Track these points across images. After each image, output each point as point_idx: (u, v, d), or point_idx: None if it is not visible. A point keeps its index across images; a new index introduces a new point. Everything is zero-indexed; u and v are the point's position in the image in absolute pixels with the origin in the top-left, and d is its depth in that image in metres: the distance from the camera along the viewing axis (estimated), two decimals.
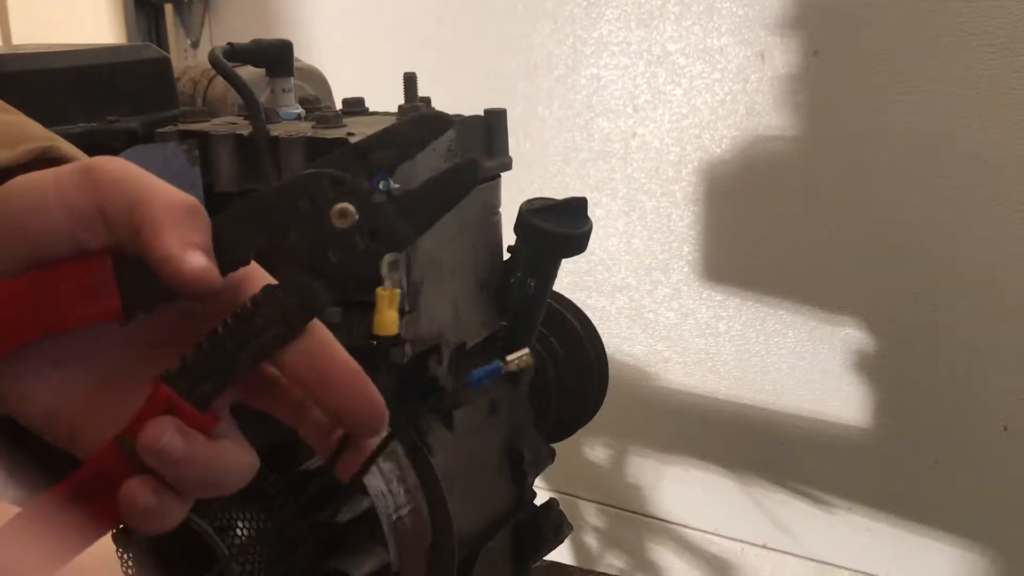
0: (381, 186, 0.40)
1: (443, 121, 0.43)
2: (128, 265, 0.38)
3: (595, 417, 0.93)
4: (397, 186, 0.40)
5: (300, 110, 0.75)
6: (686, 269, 1.48)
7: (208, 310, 0.40)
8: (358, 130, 0.64)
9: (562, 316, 0.88)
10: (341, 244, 0.39)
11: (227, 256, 0.39)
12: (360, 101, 0.75)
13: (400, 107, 0.69)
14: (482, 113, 0.75)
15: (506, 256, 0.79)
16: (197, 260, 0.37)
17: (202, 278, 0.37)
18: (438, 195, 0.41)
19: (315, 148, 0.64)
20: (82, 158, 0.47)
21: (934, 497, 1.35)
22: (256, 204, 0.40)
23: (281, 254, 0.40)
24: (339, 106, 0.77)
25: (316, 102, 0.79)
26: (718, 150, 1.40)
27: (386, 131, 0.42)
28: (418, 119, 0.42)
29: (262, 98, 0.74)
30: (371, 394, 0.40)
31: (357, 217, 0.39)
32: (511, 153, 0.78)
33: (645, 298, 1.53)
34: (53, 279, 0.39)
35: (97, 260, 0.39)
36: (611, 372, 0.90)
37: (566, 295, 0.91)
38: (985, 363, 1.27)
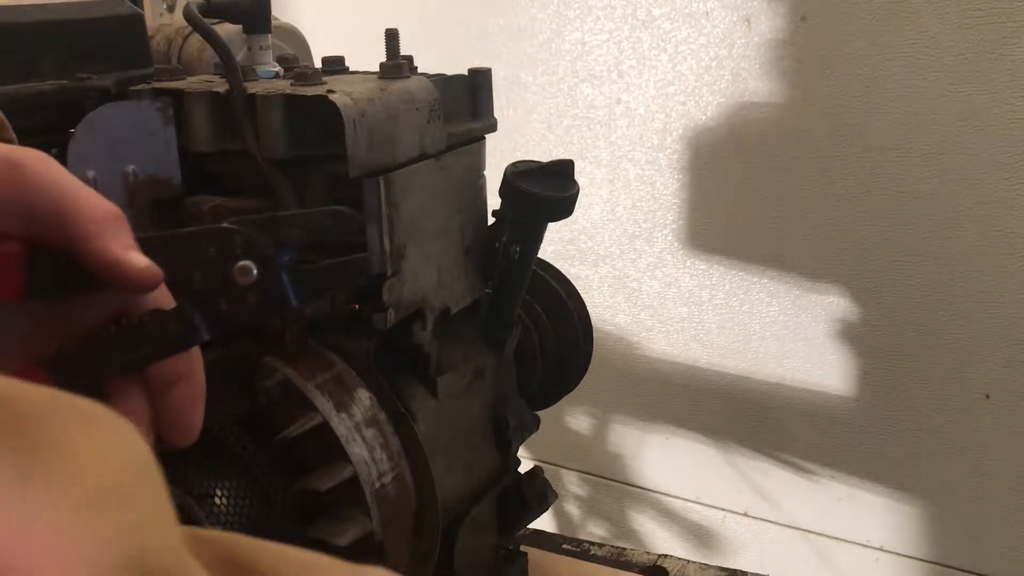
0: (286, 258, 0.45)
1: (355, 219, 0.48)
2: (40, 251, 0.40)
3: (578, 387, 0.92)
4: (296, 260, 0.45)
5: (278, 68, 0.73)
6: (670, 238, 1.47)
7: (98, 312, 0.43)
8: (338, 88, 0.62)
9: (547, 283, 0.87)
10: (236, 297, 0.44)
11: None
12: (340, 60, 0.73)
13: (381, 64, 0.67)
14: (466, 73, 0.73)
15: (491, 221, 0.77)
16: (140, 260, 0.40)
17: (148, 275, 0.40)
18: (329, 279, 0.47)
19: (293, 106, 0.62)
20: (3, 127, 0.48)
21: (916, 465, 1.36)
22: (170, 240, 0.44)
23: (181, 289, 0.43)
24: (318, 65, 0.75)
25: (295, 61, 0.77)
26: (703, 117, 1.38)
27: (302, 213, 0.47)
28: (336, 213, 0.47)
29: (239, 56, 0.72)
30: (196, 422, 0.44)
31: (255, 278, 0.44)
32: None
33: (628, 267, 1.52)
34: None
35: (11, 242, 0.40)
36: (594, 341, 0.89)
37: None
38: (967, 331, 1.27)
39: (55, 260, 0.40)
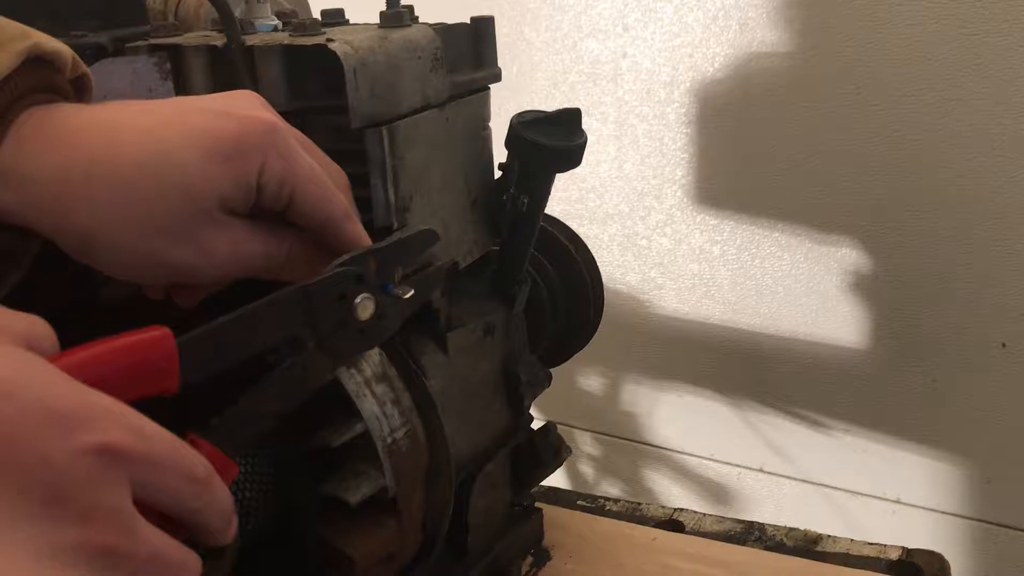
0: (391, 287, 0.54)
1: (437, 234, 0.60)
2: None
3: (589, 346, 0.91)
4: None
5: (276, 22, 0.71)
6: (679, 193, 1.45)
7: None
8: (337, 37, 0.60)
9: (555, 238, 0.86)
10: (356, 330, 0.52)
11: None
12: (340, 12, 0.72)
13: (382, 13, 0.66)
14: (468, 21, 0.72)
15: (498, 175, 0.76)
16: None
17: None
18: (423, 281, 0.58)
19: (292, 56, 0.61)
20: (59, 45, 0.50)
21: (931, 417, 1.35)
22: (302, 292, 0.50)
23: (310, 335, 0.50)
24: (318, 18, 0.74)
25: (293, 15, 0.75)
26: (710, 69, 1.36)
27: (397, 242, 0.56)
28: (423, 233, 0.58)
29: (237, 11, 0.70)
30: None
31: (374, 310, 0.53)
32: None
33: (638, 225, 1.51)
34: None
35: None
36: (605, 302, 0.88)
37: None
38: (983, 280, 1.25)
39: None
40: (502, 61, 0.74)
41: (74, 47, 0.56)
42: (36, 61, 0.49)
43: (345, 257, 0.52)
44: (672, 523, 0.87)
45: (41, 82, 0.49)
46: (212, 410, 0.47)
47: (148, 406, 0.41)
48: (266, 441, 0.60)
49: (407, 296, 0.54)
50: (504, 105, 0.78)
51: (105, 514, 0.36)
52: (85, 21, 0.69)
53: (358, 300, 0.51)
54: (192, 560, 0.41)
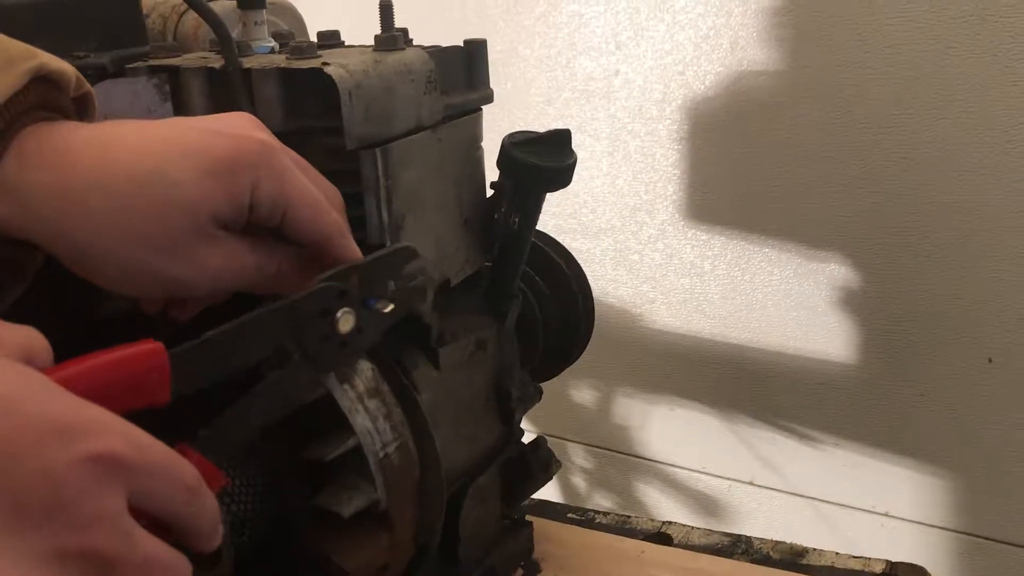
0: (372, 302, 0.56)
1: (415, 251, 0.60)
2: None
3: (581, 359, 0.92)
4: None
5: (273, 44, 0.73)
6: (671, 209, 1.47)
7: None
8: (333, 60, 0.62)
9: (546, 254, 0.87)
10: (338, 342, 0.54)
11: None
12: (335, 34, 0.73)
13: (376, 37, 0.67)
14: (461, 44, 0.73)
15: (489, 194, 0.77)
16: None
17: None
18: (401, 298, 0.58)
19: (289, 79, 0.62)
20: (63, 65, 0.51)
21: (920, 430, 1.36)
22: (285, 308, 0.51)
23: (295, 349, 0.52)
24: (314, 40, 0.75)
25: (290, 37, 0.77)
26: (702, 87, 1.38)
27: (375, 259, 0.56)
28: (401, 250, 0.58)
29: (234, 33, 0.72)
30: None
31: (355, 324, 0.54)
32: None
33: (630, 239, 1.52)
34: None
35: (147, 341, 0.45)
36: (597, 315, 0.89)
37: None
38: (970, 295, 1.27)
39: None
40: (496, 78, 0.76)
41: (76, 67, 0.57)
42: (41, 80, 0.50)
43: (328, 273, 0.53)
44: (660, 536, 0.88)
45: (44, 100, 0.51)
46: (199, 421, 0.48)
47: (136, 417, 0.42)
48: (259, 453, 0.61)
49: (387, 310, 0.55)
50: (497, 121, 0.79)
51: (103, 521, 0.38)
52: (86, 42, 0.70)
53: (339, 314, 0.53)
54: (183, 563, 0.42)
